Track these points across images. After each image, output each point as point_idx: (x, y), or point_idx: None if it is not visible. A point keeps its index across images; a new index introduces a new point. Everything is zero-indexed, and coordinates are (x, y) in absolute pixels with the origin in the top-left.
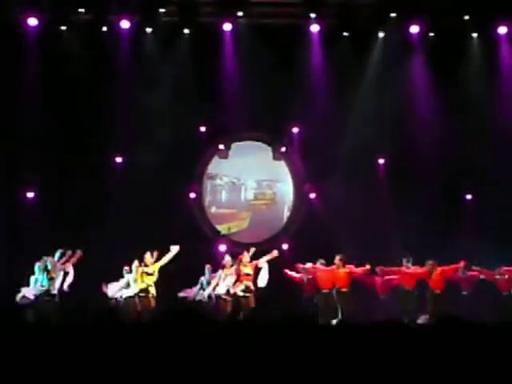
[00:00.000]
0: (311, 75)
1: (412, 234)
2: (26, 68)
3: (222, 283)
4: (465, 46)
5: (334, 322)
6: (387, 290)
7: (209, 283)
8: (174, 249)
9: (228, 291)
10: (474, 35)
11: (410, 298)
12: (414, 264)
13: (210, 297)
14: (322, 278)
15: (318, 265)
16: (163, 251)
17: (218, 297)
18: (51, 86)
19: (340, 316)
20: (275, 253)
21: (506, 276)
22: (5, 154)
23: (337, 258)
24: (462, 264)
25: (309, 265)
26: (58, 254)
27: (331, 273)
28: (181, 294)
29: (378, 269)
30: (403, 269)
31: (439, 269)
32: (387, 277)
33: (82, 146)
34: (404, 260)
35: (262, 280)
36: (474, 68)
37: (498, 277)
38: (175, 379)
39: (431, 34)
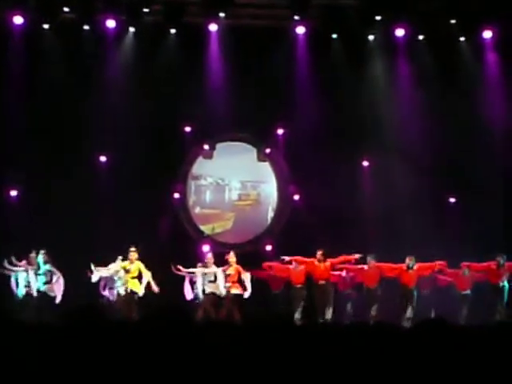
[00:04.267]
0: (296, 77)
1: (396, 234)
2: (10, 66)
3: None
4: (453, 49)
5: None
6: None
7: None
8: (147, 275)
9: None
10: (462, 39)
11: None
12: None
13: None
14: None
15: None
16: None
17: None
18: (36, 85)
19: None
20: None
21: (468, 273)
22: None
23: (318, 253)
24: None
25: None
26: (40, 257)
27: (308, 267)
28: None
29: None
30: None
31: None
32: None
33: (66, 145)
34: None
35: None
36: (461, 71)
37: (461, 273)
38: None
39: (420, 37)
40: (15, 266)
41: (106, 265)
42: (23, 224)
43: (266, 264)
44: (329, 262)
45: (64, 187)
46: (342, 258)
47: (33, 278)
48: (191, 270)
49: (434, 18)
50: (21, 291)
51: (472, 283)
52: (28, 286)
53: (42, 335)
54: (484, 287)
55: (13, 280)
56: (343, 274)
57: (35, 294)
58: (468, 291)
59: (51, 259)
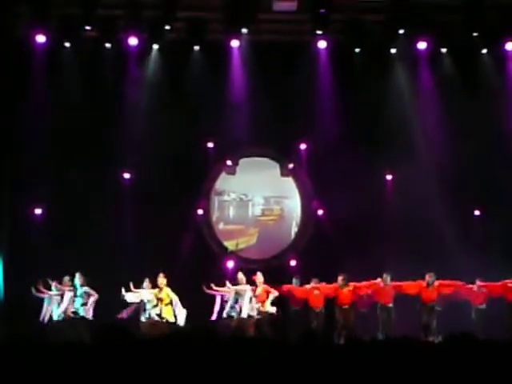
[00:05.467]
0: (318, 91)
1: (420, 249)
2: (34, 85)
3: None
4: (474, 61)
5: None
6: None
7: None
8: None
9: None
10: (484, 51)
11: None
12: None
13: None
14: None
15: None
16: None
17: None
18: (58, 103)
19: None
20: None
21: (483, 289)
22: (12, 169)
23: (339, 278)
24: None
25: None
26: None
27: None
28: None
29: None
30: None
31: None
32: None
33: (90, 162)
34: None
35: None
36: (483, 83)
37: (475, 289)
38: None
39: (442, 50)
40: (57, 288)
41: (129, 281)
42: (47, 242)
43: (286, 287)
44: (351, 286)
45: (88, 205)
46: (366, 283)
47: (68, 300)
48: (223, 288)
49: (455, 30)
50: (58, 314)
51: (487, 298)
52: (64, 308)
53: (71, 355)
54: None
55: (45, 303)
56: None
57: (72, 315)
58: (483, 306)
59: (87, 281)
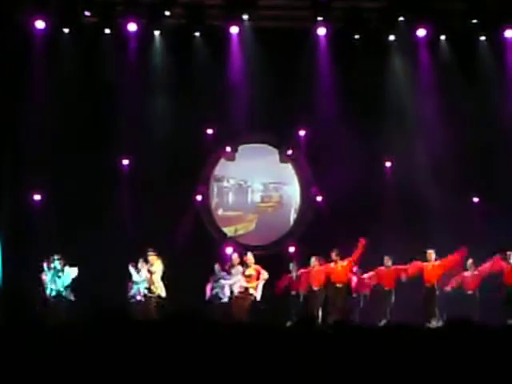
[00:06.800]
0: (318, 78)
1: (419, 235)
2: (33, 71)
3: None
4: (473, 49)
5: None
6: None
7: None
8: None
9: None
10: (482, 38)
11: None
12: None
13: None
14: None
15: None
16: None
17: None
18: (57, 89)
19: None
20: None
21: (475, 272)
22: (11, 156)
23: (332, 254)
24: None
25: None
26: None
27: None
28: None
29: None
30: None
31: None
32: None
33: (89, 149)
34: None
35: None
36: (482, 70)
37: (466, 274)
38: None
39: (442, 38)
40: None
41: (128, 267)
42: (46, 228)
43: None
44: (346, 261)
45: (86, 191)
46: (356, 253)
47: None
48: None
49: (455, 17)
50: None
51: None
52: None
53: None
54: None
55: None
56: (358, 273)
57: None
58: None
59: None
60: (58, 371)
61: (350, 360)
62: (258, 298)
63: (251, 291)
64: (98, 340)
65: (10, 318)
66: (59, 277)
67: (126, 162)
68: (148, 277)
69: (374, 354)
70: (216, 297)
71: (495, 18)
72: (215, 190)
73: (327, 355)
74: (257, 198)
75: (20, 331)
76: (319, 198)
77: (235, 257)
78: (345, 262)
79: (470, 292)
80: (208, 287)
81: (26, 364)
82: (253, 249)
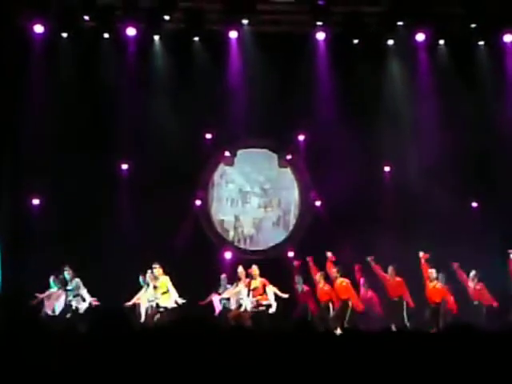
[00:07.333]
0: (317, 82)
1: (419, 242)
2: (32, 75)
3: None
4: (472, 53)
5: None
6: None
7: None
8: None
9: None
10: (481, 43)
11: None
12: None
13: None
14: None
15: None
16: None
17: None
18: (57, 94)
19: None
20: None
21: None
22: (11, 161)
23: (334, 271)
24: None
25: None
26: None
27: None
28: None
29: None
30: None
31: None
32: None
33: (89, 153)
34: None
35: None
36: (481, 75)
37: (470, 284)
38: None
39: (440, 42)
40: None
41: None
42: (45, 232)
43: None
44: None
45: (86, 195)
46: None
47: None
48: (225, 295)
49: (454, 22)
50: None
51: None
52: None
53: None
54: None
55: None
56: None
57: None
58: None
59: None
60: (58, 376)
61: (350, 363)
62: (273, 304)
63: (264, 302)
64: (99, 344)
65: (10, 322)
66: (70, 290)
67: (125, 166)
68: (153, 293)
69: (375, 359)
70: (225, 308)
71: (494, 22)
72: (214, 194)
73: (327, 359)
74: (256, 202)
75: (19, 335)
76: (318, 203)
77: (241, 270)
78: (345, 281)
79: (475, 303)
80: (215, 300)
81: (24, 369)
82: (252, 253)
